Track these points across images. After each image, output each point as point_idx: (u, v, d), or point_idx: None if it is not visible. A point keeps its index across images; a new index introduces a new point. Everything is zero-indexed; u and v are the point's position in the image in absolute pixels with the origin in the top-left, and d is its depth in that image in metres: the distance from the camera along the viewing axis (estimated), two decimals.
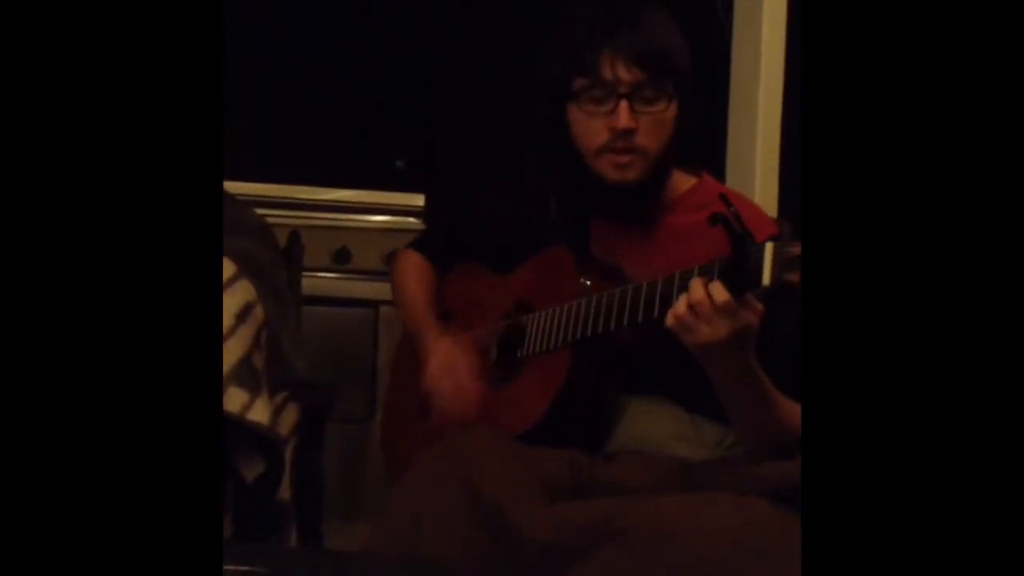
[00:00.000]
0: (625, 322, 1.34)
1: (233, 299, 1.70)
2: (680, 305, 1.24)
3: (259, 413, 1.64)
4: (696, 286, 1.23)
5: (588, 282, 1.43)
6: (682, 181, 1.51)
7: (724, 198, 1.26)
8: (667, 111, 1.42)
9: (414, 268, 1.71)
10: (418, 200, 2.74)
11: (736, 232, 1.21)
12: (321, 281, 2.58)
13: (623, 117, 1.39)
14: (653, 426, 1.42)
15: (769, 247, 1.18)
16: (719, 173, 2.46)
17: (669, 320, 1.25)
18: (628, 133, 1.40)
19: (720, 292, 1.21)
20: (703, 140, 2.48)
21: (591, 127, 1.42)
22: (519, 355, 1.52)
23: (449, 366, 1.55)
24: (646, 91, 1.40)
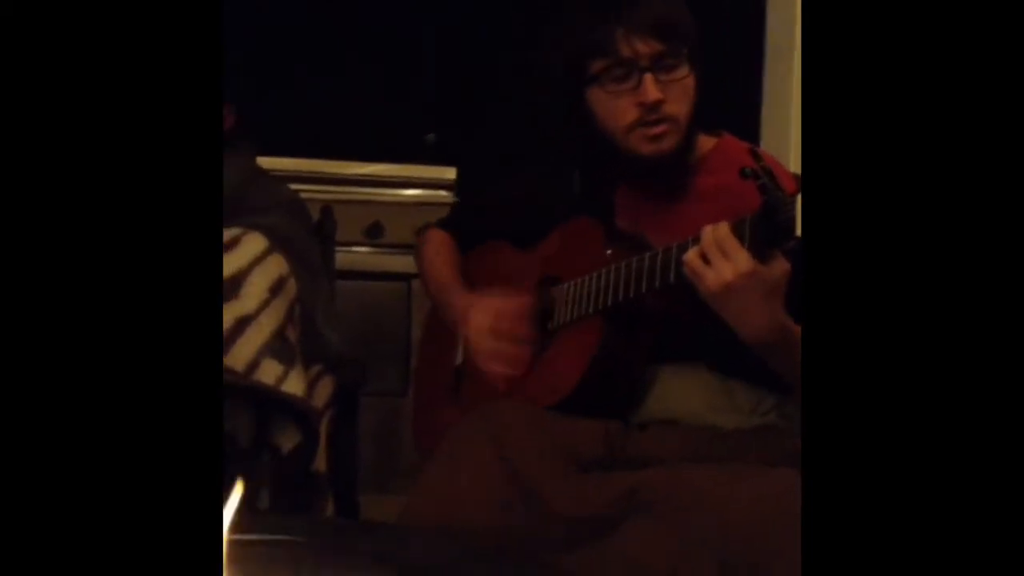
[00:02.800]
0: (657, 284, 1.33)
1: (266, 273, 1.71)
2: (692, 251, 1.25)
3: (294, 385, 1.65)
4: (704, 231, 1.24)
5: (614, 251, 1.43)
6: (703, 143, 1.50)
7: (754, 152, 1.25)
8: (688, 77, 1.41)
9: (439, 243, 1.71)
10: (450, 173, 2.74)
11: (767, 186, 1.20)
12: (354, 255, 2.60)
13: (650, 90, 1.38)
14: (687, 395, 1.41)
15: (800, 199, 1.18)
16: (754, 138, 2.44)
17: (685, 268, 1.26)
18: (658, 105, 1.39)
19: (721, 228, 1.22)
20: (738, 106, 2.46)
21: (618, 106, 1.41)
22: (549, 327, 1.52)
23: (495, 317, 1.51)
24: (666, 60, 1.39)
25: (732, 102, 1.48)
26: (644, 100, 1.38)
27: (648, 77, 1.38)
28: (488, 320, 1.51)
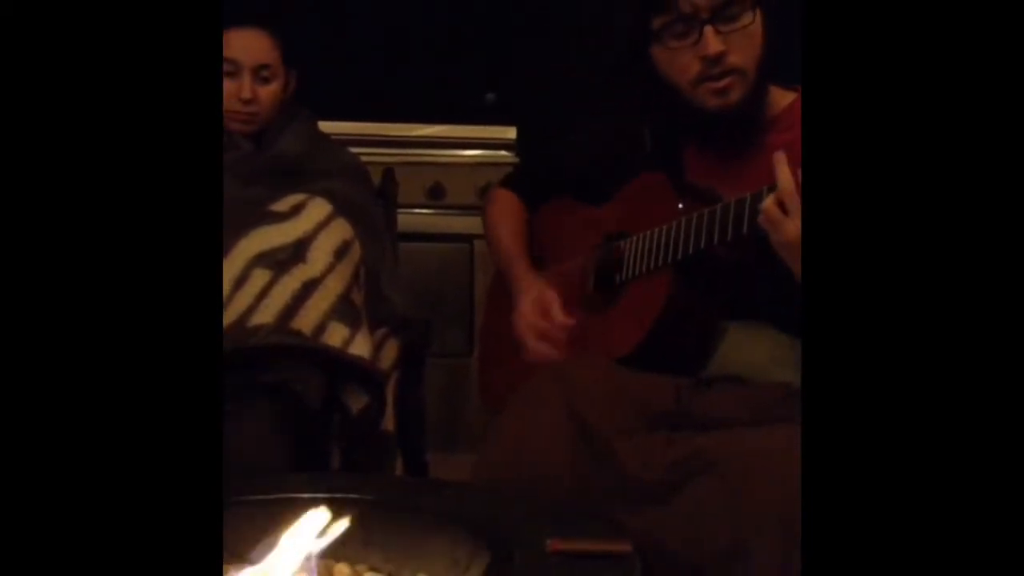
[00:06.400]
0: (728, 236, 1.31)
1: (331, 238, 1.73)
2: (769, 199, 1.23)
3: (360, 347, 1.67)
4: (783, 174, 1.21)
5: (685, 205, 1.42)
6: (780, 97, 1.47)
7: None
8: (754, 23, 1.38)
9: (506, 207, 1.71)
10: (510, 133, 2.74)
11: None
12: (416, 217, 2.61)
13: (711, 43, 1.36)
14: (755, 350, 1.40)
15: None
16: None
17: (760, 217, 1.24)
18: (720, 57, 1.37)
19: (799, 176, 1.20)
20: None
21: (680, 61, 1.39)
22: (618, 281, 1.51)
23: (539, 308, 1.55)
24: (728, 9, 1.37)
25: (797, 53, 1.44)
26: (706, 53, 1.37)
27: (709, 30, 1.36)
28: (529, 310, 1.57)
